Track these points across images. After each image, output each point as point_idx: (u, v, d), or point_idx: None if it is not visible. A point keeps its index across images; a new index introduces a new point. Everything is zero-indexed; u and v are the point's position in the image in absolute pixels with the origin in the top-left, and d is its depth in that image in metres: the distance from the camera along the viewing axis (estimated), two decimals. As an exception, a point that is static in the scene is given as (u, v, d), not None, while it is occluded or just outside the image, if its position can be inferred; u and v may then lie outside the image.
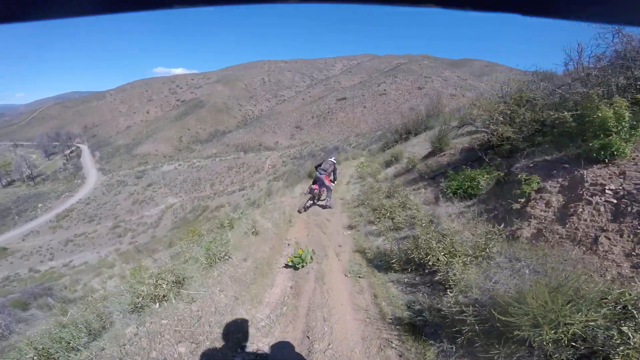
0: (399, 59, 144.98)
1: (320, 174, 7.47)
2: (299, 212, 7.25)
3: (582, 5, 0.48)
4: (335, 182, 8.07)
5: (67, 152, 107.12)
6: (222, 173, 56.28)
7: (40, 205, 59.89)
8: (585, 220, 3.00)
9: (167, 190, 53.89)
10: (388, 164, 9.64)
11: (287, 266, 4.34)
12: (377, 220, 5.55)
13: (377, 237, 5.03)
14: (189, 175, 59.37)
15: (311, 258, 4.40)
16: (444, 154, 6.81)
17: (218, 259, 4.01)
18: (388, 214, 5.38)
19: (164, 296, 3.06)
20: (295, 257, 4.26)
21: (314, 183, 7.50)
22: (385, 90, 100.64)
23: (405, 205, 5.33)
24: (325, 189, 7.56)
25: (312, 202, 7.70)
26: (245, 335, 2.83)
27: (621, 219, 2.74)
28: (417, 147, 10.26)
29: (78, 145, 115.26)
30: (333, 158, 8.44)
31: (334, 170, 7.85)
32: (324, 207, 7.57)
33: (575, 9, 0.48)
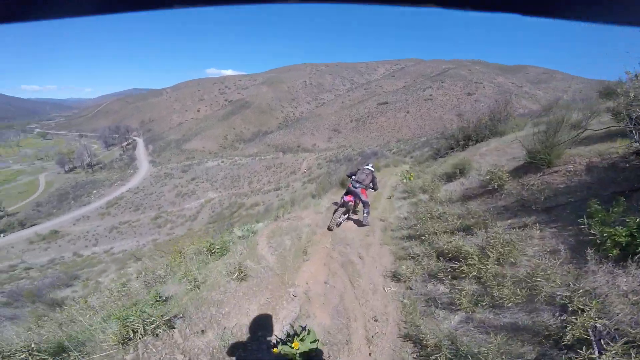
0: (447, 64, 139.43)
1: (355, 187, 6.36)
2: (330, 229, 6.09)
3: (583, 5, 0.48)
4: (376, 191, 7.02)
5: (125, 144, 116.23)
6: (260, 172, 56.40)
7: (94, 191, 64.75)
8: None
9: (208, 185, 55.15)
10: (449, 178, 7.30)
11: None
12: (447, 275, 3.40)
13: (448, 311, 2.91)
14: (229, 172, 60.40)
15: (316, 347, 2.39)
16: (556, 171, 4.31)
17: (146, 329, 2.17)
18: (471, 268, 3.09)
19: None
20: (285, 345, 2.27)
21: (346, 194, 6.44)
22: (431, 95, 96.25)
23: (504, 259, 3.06)
24: (361, 202, 6.48)
25: (346, 216, 6.55)
26: None
27: None
28: (488, 157, 7.72)
29: (135, 138, 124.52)
30: (370, 165, 7.11)
31: (373, 180, 6.70)
32: (359, 224, 6.38)
33: (575, 9, 0.48)
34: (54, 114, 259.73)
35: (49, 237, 38.27)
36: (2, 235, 44.06)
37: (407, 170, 12.20)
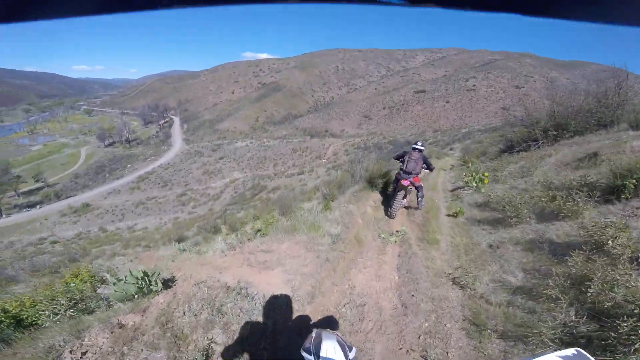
0: (493, 55, 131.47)
1: (405, 178, 5.73)
2: (391, 216, 5.91)
3: (583, 5, 0.49)
4: (432, 171, 6.32)
5: (162, 122, 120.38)
6: (286, 155, 55.50)
7: (128, 165, 67.26)
8: None
9: (234, 165, 55.23)
10: (603, 194, 4.33)
11: None
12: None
13: None
14: (256, 153, 60.35)
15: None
16: None
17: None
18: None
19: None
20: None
21: (397, 181, 5.96)
22: (474, 85, 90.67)
23: None
24: (415, 188, 5.96)
25: (405, 200, 6.15)
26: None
27: None
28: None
29: (172, 116, 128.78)
30: (419, 143, 6.14)
31: (426, 161, 5.99)
32: (415, 208, 6.15)
33: (575, 9, 0.49)
34: (101, 92, 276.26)
35: (80, 211, 39.66)
36: (37, 206, 46.70)
37: (469, 168, 9.37)
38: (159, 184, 50.78)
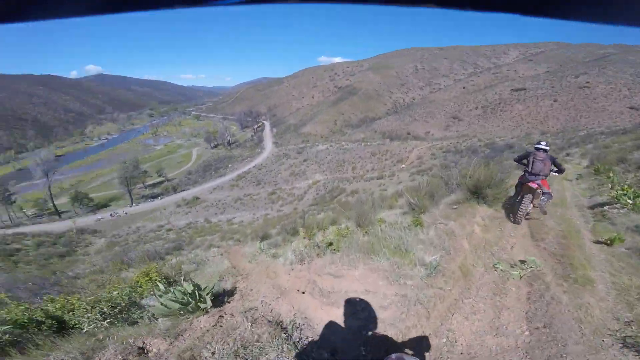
0: (605, 49, 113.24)
1: (533, 180, 5.18)
2: (516, 222, 5.25)
3: (583, 5, 0.48)
4: (562, 173, 5.68)
5: (255, 126, 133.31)
6: (365, 158, 55.90)
7: (229, 165, 76.76)
8: None
9: (316, 167, 57.77)
10: None
11: None
12: None
13: None
14: (335, 156, 62.01)
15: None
16: None
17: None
18: None
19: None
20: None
21: (521, 185, 5.43)
22: (588, 83, 77.30)
23: None
24: (543, 194, 5.29)
25: (531, 205, 5.36)
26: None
27: None
28: None
29: (263, 121, 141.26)
30: (543, 143, 5.43)
31: (554, 162, 5.35)
32: (542, 211, 5.32)
33: (575, 9, 0.48)
34: (205, 99, 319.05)
35: (191, 203, 47.26)
36: (160, 197, 57.18)
37: (610, 178, 7.62)
38: (254, 182, 56.66)
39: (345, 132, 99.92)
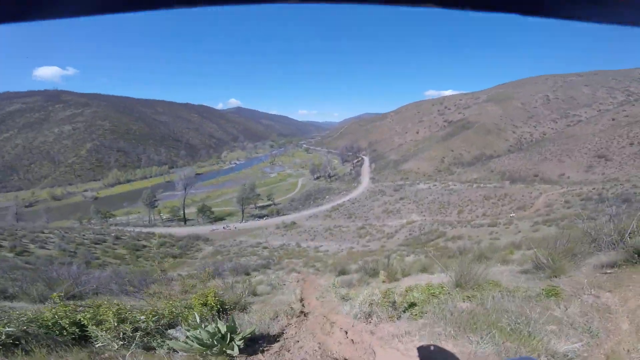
0: None
1: None
2: None
3: (583, 5, 0.48)
4: None
5: (355, 161, 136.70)
6: (476, 202, 49.09)
7: (327, 197, 79.40)
8: None
9: (413, 207, 54.52)
10: None
11: None
12: None
13: None
14: (439, 197, 57.43)
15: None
16: None
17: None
18: None
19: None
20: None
21: None
22: None
23: None
24: None
25: None
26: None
27: None
28: None
29: (363, 156, 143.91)
30: None
31: None
32: None
33: (575, 9, 0.48)
34: (315, 133, 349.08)
35: (289, 227, 49.90)
36: (265, 218, 62.77)
37: None
38: (346, 215, 56.75)
39: (453, 170, 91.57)
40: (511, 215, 36.83)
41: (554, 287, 3.65)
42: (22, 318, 3.14)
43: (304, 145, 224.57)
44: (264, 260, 20.87)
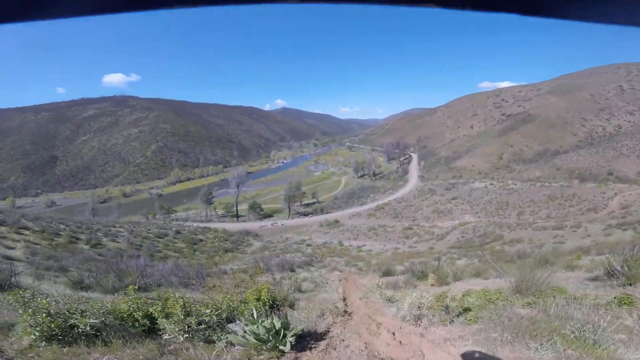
0: None
1: None
2: None
3: (583, 5, 0.48)
4: None
5: (402, 158, 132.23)
6: (539, 202, 44.83)
7: (371, 195, 78.13)
8: None
9: (467, 207, 51.58)
10: None
11: None
12: None
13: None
14: (496, 196, 53.54)
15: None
16: None
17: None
18: None
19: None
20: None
21: None
22: None
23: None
24: None
25: None
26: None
27: None
28: None
29: (411, 153, 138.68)
30: None
31: None
32: None
33: (575, 9, 0.48)
34: (359, 131, 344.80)
35: (332, 225, 50.11)
36: (309, 215, 63.83)
37: None
38: (391, 214, 55.25)
39: (513, 168, 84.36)
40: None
41: (628, 295, 3.38)
42: (102, 310, 3.31)
43: (347, 144, 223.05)
44: (308, 258, 21.29)
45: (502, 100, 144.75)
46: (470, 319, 3.27)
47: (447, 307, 3.59)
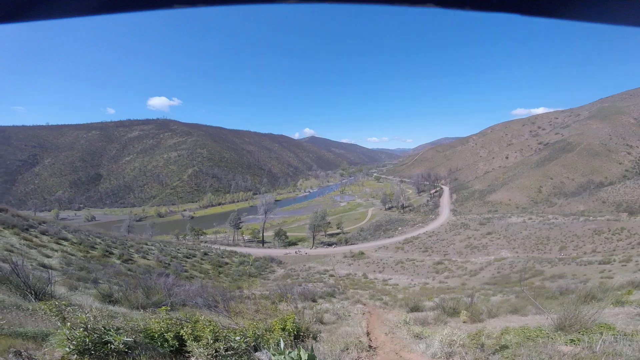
0: None
1: None
2: None
3: (583, 5, 0.47)
4: None
5: (432, 191, 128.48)
6: (583, 236, 41.43)
7: (399, 228, 75.81)
8: None
9: (504, 242, 48.96)
10: None
11: None
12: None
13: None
14: (536, 231, 50.63)
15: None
16: None
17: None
18: None
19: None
20: None
21: None
22: None
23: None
24: None
25: None
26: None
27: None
28: None
29: (442, 186, 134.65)
30: None
31: None
32: None
33: (575, 9, 0.48)
34: (387, 161, 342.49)
35: (356, 256, 48.83)
36: (333, 245, 62.74)
37: None
38: (420, 248, 53.14)
39: (554, 202, 79.02)
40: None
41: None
42: (136, 328, 3.36)
43: (375, 174, 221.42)
44: (330, 289, 20.70)
45: (539, 127, 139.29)
46: (508, 357, 3.08)
47: (482, 345, 3.39)
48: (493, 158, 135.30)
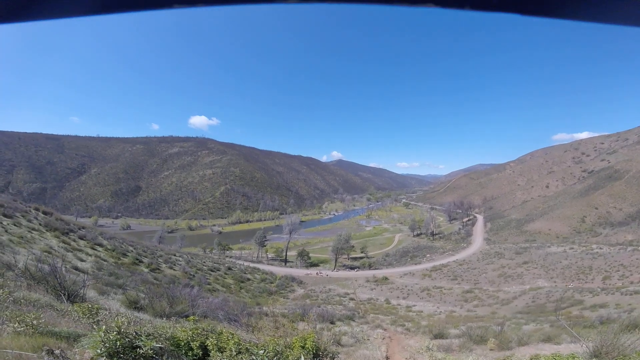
0: None
1: None
2: None
3: (583, 5, 0.47)
4: None
5: (465, 219, 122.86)
6: (630, 267, 38.65)
7: (427, 255, 72.79)
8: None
9: (541, 272, 46.01)
10: None
11: None
12: None
13: None
14: (577, 261, 47.46)
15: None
16: None
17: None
18: None
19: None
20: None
21: None
22: None
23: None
24: None
25: None
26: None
27: None
28: None
29: (475, 215, 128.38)
30: None
31: None
32: None
33: (574, 9, 0.47)
34: (417, 187, 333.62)
35: (380, 281, 47.23)
36: (356, 269, 61.25)
37: None
38: (449, 276, 50.69)
39: (598, 232, 72.69)
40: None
41: None
42: (163, 335, 3.45)
43: (403, 200, 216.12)
44: (349, 312, 20.37)
45: (582, 153, 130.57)
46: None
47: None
48: (532, 187, 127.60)
